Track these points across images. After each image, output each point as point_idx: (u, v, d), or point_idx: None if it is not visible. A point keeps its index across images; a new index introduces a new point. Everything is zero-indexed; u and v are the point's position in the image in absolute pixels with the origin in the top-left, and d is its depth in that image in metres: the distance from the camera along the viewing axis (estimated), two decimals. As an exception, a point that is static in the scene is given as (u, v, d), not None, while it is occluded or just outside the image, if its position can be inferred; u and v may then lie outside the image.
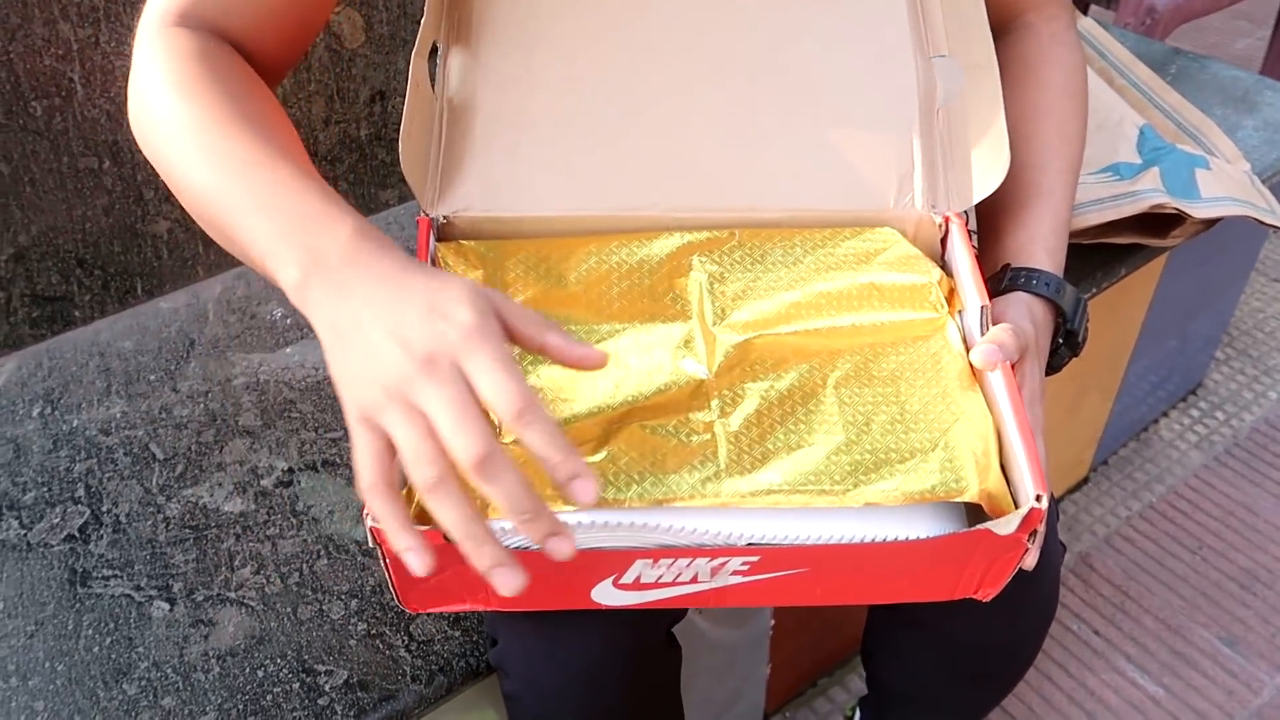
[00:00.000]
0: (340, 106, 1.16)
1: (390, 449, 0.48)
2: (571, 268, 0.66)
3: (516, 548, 0.54)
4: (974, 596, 0.60)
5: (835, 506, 0.54)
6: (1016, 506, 0.55)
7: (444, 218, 0.67)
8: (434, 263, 0.66)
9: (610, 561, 0.56)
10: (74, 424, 0.96)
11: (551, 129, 0.68)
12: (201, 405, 0.98)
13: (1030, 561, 0.56)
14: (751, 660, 1.16)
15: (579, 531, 0.54)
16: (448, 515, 0.47)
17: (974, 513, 0.57)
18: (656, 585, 0.58)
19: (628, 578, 0.57)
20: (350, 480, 0.88)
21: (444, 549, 0.52)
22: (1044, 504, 0.53)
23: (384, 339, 0.48)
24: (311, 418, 0.96)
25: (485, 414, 0.47)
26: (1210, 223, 1.07)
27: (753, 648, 1.14)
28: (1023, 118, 0.70)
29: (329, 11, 0.71)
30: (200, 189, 0.58)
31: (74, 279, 1.07)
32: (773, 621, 1.12)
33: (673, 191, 0.67)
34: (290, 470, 0.90)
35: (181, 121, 0.58)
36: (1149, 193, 1.02)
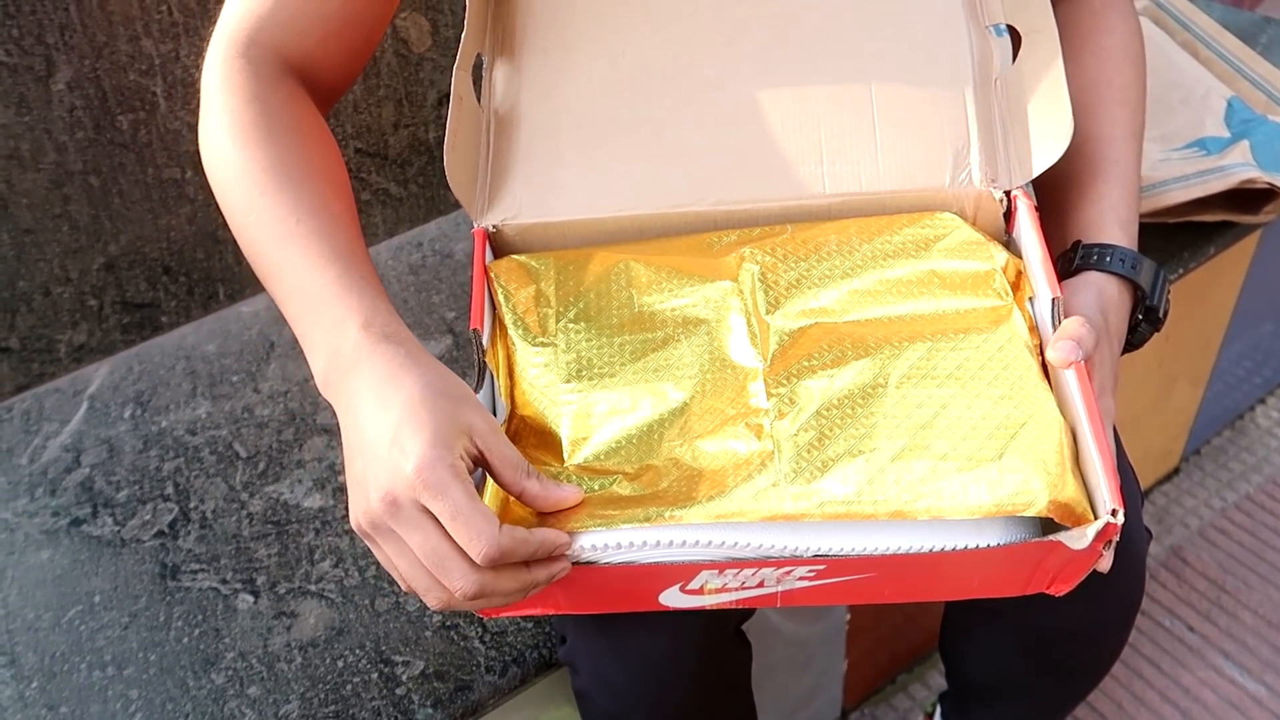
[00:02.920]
0: (409, 110, 1.18)
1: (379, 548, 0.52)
2: (621, 278, 0.65)
3: (585, 563, 0.54)
4: (1047, 592, 0.58)
5: (900, 520, 0.53)
6: (1096, 517, 0.53)
7: (493, 227, 0.67)
8: (489, 285, 0.66)
9: (676, 572, 0.55)
10: (163, 425, 1.00)
11: (596, 130, 0.68)
12: (281, 405, 1.01)
13: (1105, 565, 0.54)
14: (828, 655, 1.14)
15: (644, 550, 0.53)
16: (483, 605, 0.51)
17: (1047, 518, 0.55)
18: (723, 590, 0.57)
19: (694, 584, 0.57)
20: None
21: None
22: (1119, 518, 0.51)
23: (362, 470, 0.51)
24: (386, 415, 0.98)
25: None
26: (1305, 197, 1.02)
27: (828, 643, 1.13)
28: (1081, 87, 0.67)
29: (389, 22, 0.72)
30: (246, 244, 0.61)
31: (160, 286, 1.11)
32: (849, 616, 1.10)
33: (721, 185, 0.66)
34: (366, 466, 0.92)
35: (234, 170, 0.61)
36: (1239, 167, 0.98)
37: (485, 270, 0.66)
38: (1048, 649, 0.71)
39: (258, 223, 0.59)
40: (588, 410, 0.59)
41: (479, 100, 0.70)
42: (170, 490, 0.93)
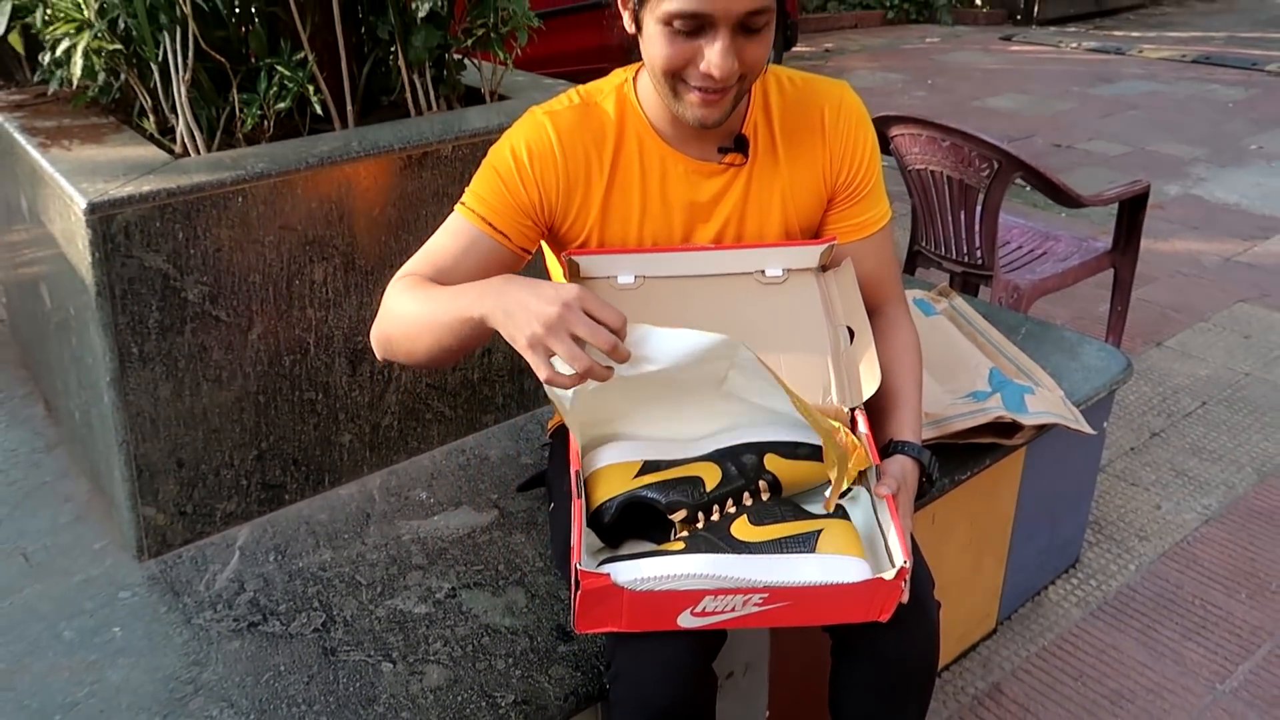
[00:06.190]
0: (463, 360, 1.73)
1: (549, 356, 1.00)
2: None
3: (643, 589, 1.03)
4: (879, 619, 1.09)
5: (811, 557, 1.05)
6: (893, 564, 1.06)
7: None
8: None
9: (689, 597, 1.05)
10: (299, 565, 1.44)
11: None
12: (384, 552, 1.47)
13: (905, 596, 1.06)
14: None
15: (665, 582, 1.03)
16: (584, 372, 0.99)
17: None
18: (715, 613, 1.07)
19: (699, 608, 1.06)
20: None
21: (608, 590, 1.02)
22: (909, 564, 1.04)
23: (532, 309, 1.00)
24: (460, 558, 1.45)
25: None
26: (1040, 429, 1.64)
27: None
28: (885, 361, 1.26)
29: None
30: (414, 318, 1.14)
31: (289, 472, 1.58)
32: (767, 713, 1.56)
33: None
34: (454, 589, 1.39)
35: (403, 298, 1.16)
36: (995, 409, 1.60)
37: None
38: (884, 672, 1.19)
39: (423, 300, 1.13)
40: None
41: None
42: (317, 604, 1.36)
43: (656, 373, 1.06)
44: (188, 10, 1.46)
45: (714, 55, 1.07)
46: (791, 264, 1.25)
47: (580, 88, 1.27)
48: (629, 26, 1.14)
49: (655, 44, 1.09)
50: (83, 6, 1.52)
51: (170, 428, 1.45)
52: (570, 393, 1.08)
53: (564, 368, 1.00)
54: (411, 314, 1.15)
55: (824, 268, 1.28)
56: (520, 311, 1.01)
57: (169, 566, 1.45)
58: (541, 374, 1.01)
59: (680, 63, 1.09)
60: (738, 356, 1.09)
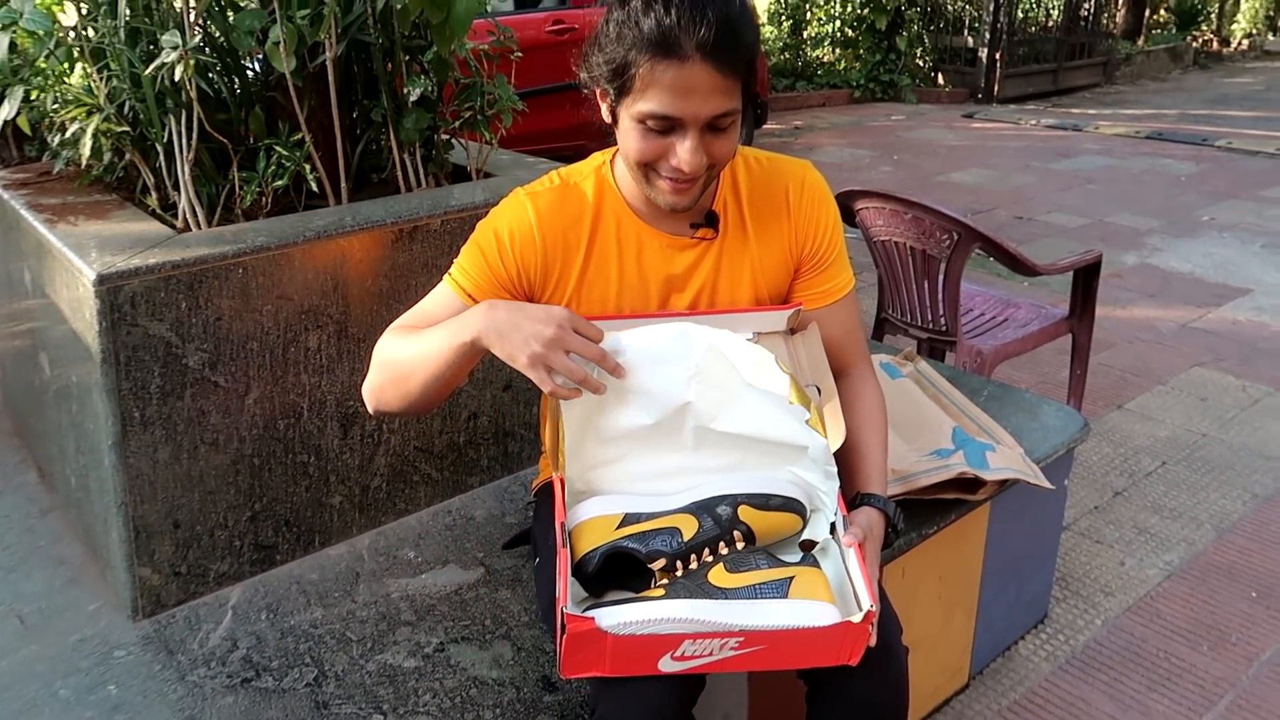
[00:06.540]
0: (450, 423, 1.80)
1: (549, 372, 1.13)
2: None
3: (626, 634, 1.09)
4: (849, 663, 1.15)
5: (784, 602, 1.12)
6: (861, 609, 1.13)
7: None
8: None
9: (669, 641, 1.11)
10: (291, 623, 1.49)
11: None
12: (373, 609, 1.51)
13: (873, 641, 1.12)
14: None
15: (648, 626, 1.09)
16: (581, 381, 1.15)
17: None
18: (694, 657, 1.13)
19: (679, 652, 1.12)
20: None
21: (592, 633, 1.08)
22: (876, 608, 1.11)
23: (527, 329, 1.14)
24: (447, 614, 1.50)
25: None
26: (1002, 484, 1.73)
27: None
28: (853, 418, 1.34)
29: None
30: (407, 356, 1.23)
31: (281, 533, 1.63)
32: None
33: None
34: (442, 643, 1.43)
35: (395, 343, 1.26)
36: (958, 465, 1.68)
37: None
38: (855, 715, 1.24)
39: (410, 343, 1.23)
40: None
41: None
42: (309, 660, 1.40)
43: (636, 380, 1.22)
44: (193, 95, 1.56)
45: (684, 152, 1.17)
46: (761, 327, 1.34)
47: (561, 170, 1.37)
48: (605, 117, 1.24)
49: (629, 138, 1.20)
50: (94, 91, 1.61)
51: (168, 490, 1.50)
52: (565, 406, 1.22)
53: (563, 380, 1.15)
54: (404, 353, 1.26)
55: (792, 331, 1.37)
56: (515, 333, 1.14)
57: (163, 626, 1.49)
58: (546, 387, 1.15)
59: (652, 156, 1.20)
60: (707, 343, 1.23)
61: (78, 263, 1.43)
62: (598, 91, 1.23)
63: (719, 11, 1.13)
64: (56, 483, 1.84)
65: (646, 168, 1.22)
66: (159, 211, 1.68)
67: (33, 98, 1.68)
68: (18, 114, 1.69)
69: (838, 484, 1.24)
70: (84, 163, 1.64)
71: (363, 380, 1.33)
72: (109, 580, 1.58)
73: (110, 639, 1.46)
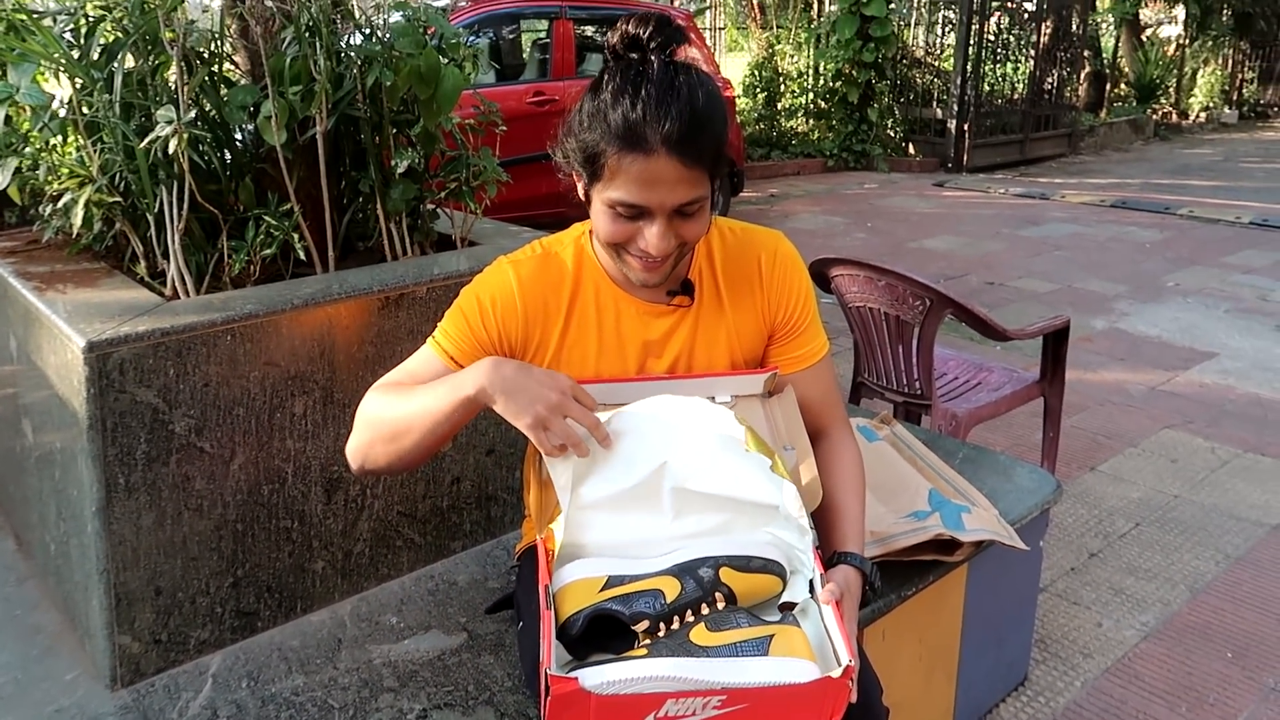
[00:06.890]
0: (433, 488, 1.81)
1: (546, 433, 1.17)
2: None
3: (609, 694, 1.10)
4: (831, 722, 1.16)
5: (764, 659, 1.13)
6: (840, 664, 1.15)
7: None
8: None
9: (653, 701, 1.12)
10: (272, 690, 1.48)
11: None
12: (355, 675, 1.51)
13: (853, 696, 1.14)
14: None
15: (631, 684, 1.10)
16: (574, 446, 1.18)
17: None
18: (678, 717, 1.13)
19: (662, 712, 1.13)
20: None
21: (576, 694, 1.09)
22: (855, 663, 1.13)
23: (532, 392, 1.17)
24: (430, 680, 1.49)
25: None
26: (978, 545, 1.75)
27: None
28: (830, 478, 1.38)
29: None
30: (401, 411, 1.25)
31: (262, 599, 1.63)
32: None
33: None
34: (425, 709, 1.43)
35: (386, 399, 1.28)
36: (934, 527, 1.71)
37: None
38: None
39: (402, 400, 1.24)
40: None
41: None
42: (290, 728, 1.39)
43: (618, 445, 1.26)
44: (185, 166, 1.60)
45: (652, 237, 1.22)
46: (739, 391, 1.38)
47: (543, 239, 1.41)
48: (580, 195, 1.29)
49: (600, 220, 1.25)
50: (86, 163, 1.65)
51: (150, 556, 1.50)
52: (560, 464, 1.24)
53: (559, 441, 1.20)
54: (396, 410, 1.27)
55: (769, 394, 1.41)
56: (521, 394, 1.18)
57: (141, 695, 1.47)
58: (545, 449, 1.20)
59: (622, 239, 1.25)
60: (679, 407, 1.28)
61: (66, 329, 1.45)
62: (572, 173, 1.28)
63: (683, 106, 1.18)
64: (34, 550, 1.83)
65: (618, 247, 1.27)
66: (147, 279, 1.70)
67: (22, 168, 1.71)
68: (9, 184, 1.72)
69: (812, 537, 1.27)
70: (75, 232, 1.67)
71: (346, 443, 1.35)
72: (87, 649, 1.56)
73: (88, 709, 1.45)
